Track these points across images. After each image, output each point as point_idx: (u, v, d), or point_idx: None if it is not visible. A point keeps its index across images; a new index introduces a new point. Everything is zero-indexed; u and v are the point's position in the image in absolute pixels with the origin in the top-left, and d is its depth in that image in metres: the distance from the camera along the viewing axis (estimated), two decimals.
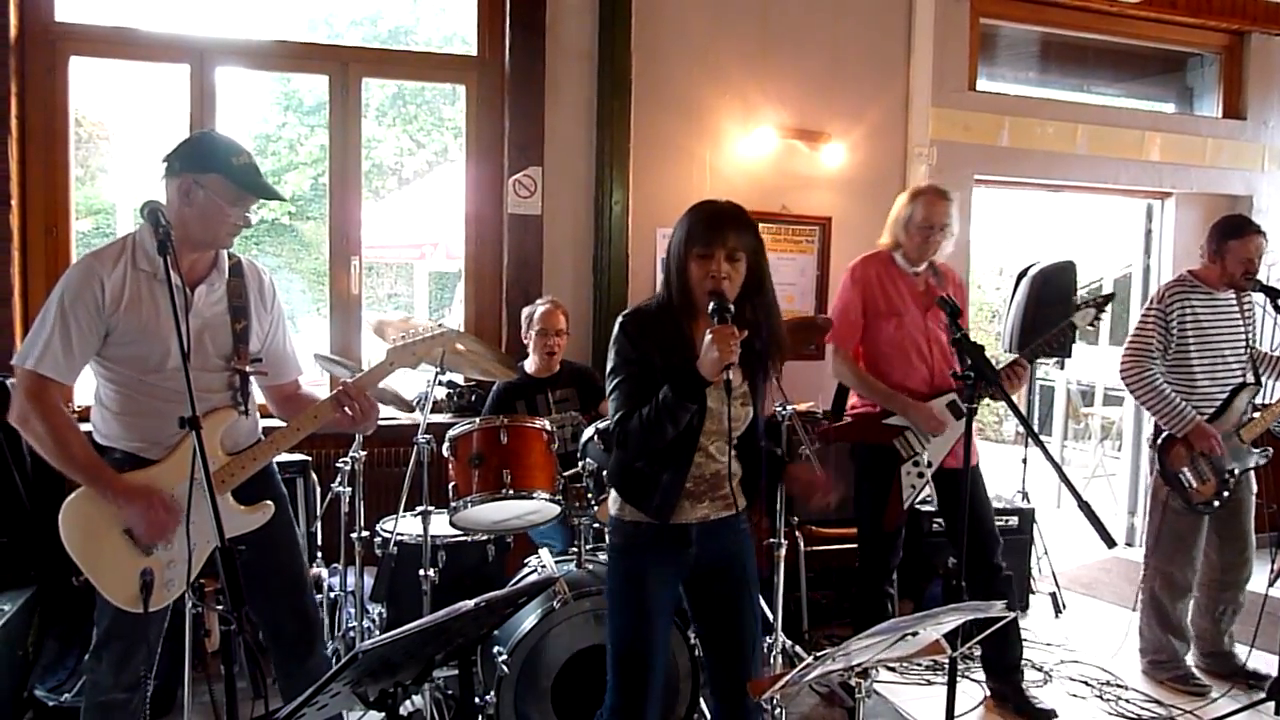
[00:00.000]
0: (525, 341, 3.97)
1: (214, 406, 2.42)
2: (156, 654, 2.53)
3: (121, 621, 2.36)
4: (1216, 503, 3.71)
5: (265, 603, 2.56)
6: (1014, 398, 2.87)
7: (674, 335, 2.24)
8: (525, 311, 3.99)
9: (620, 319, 2.26)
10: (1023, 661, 3.66)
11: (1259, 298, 3.71)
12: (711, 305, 2.12)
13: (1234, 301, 3.77)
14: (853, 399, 3.68)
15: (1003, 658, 3.58)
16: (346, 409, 2.46)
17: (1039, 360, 8.72)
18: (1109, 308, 3.42)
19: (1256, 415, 3.75)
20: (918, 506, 4.26)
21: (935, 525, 4.39)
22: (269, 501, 2.46)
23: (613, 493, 2.37)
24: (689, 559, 2.32)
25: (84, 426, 2.41)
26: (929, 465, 3.40)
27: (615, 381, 2.23)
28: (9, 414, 2.34)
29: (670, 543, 2.29)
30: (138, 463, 2.38)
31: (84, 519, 2.33)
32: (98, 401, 2.44)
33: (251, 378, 2.54)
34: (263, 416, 2.68)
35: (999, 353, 6.27)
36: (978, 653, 3.82)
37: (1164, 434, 3.74)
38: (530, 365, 3.97)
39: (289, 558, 2.61)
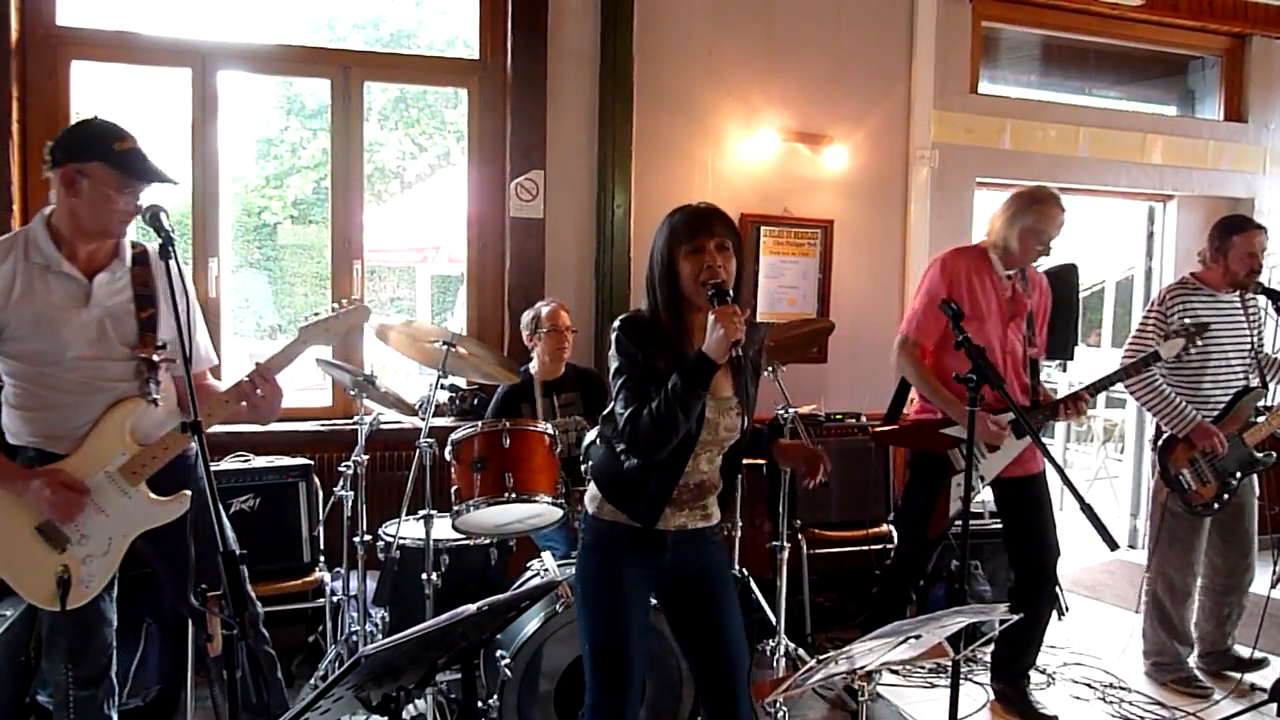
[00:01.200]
0: (531, 345, 3.94)
1: (121, 396, 2.39)
2: (110, 652, 2.51)
3: (60, 620, 2.35)
4: (1216, 505, 3.70)
5: (180, 594, 2.52)
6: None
7: (671, 338, 2.23)
8: (528, 316, 3.96)
9: (618, 323, 2.26)
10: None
11: (1261, 300, 3.70)
12: (710, 291, 2.13)
13: (1238, 304, 3.76)
14: (913, 404, 3.54)
15: (1016, 662, 3.57)
16: (258, 389, 2.41)
17: (1043, 363, 8.71)
18: (1199, 341, 3.38)
19: (1261, 419, 3.74)
20: None
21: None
22: (186, 491, 2.42)
23: (592, 488, 2.35)
24: (663, 565, 2.31)
25: None
26: (981, 479, 3.28)
27: (621, 380, 2.22)
28: None
29: (645, 546, 2.29)
30: (47, 458, 2.38)
31: None
32: (7, 401, 2.43)
33: (162, 367, 2.51)
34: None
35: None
36: (981, 655, 3.82)
37: (1165, 435, 3.73)
38: (535, 367, 3.95)
39: (212, 549, 2.58)
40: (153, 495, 2.41)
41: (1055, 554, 3.44)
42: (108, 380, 2.38)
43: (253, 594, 2.73)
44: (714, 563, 2.40)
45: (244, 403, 2.42)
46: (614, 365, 2.26)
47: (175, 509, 2.41)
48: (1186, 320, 3.60)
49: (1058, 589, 4.74)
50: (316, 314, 2.60)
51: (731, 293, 2.14)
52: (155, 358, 2.43)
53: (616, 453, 2.28)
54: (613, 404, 2.28)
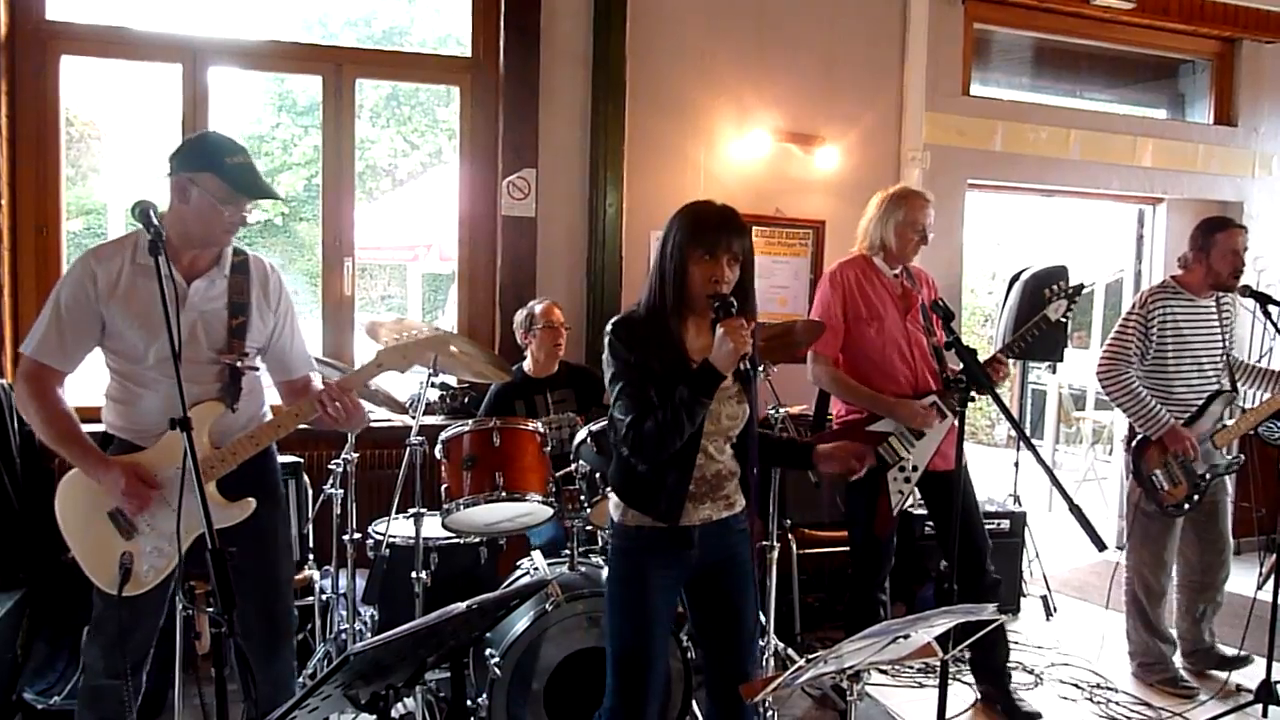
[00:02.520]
0: (525, 343, 3.94)
1: (201, 399, 2.44)
2: (150, 648, 2.56)
3: (112, 607, 2.40)
4: (1187, 505, 3.73)
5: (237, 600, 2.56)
6: (1005, 401, 2.87)
7: (665, 338, 2.24)
8: (521, 314, 3.97)
9: (610, 326, 2.25)
10: (1010, 664, 3.67)
11: (1248, 303, 3.73)
12: (715, 302, 2.15)
13: (1213, 309, 3.79)
14: (835, 408, 3.63)
15: (989, 660, 3.59)
16: (329, 410, 2.47)
17: (1032, 364, 8.71)
18: (1079, 299, 3.41)
19: (1230, 422, 3.77)
20: (909, 510, 4.29)
21: (928, 528, 4.40)
22: (251, 499, 2.48)
23: (613, 497, 2.35)
24: (691, 561, 2.32)
25: (96, 427, 2.49)
26: (914, 469, 3.38)
27: (619, 387, 2.22)
28: (14, 395, 2.45)
29: (673, 545, 2.29)
30: (132, 449, 2.46)
31: (75, 497, 2.43)
32: (105, 393, 2.52)
33: (266, 375, 2.62)
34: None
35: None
36: (968, 655, 3.83)
37: (1139, 436, 3.76)
38: (529, 365, 3.95)
39: (268, 558, 2.61)
40: (220, 497, 2.46)
41: (986, 544, 3.48)
42: (196, 382, 2.43)
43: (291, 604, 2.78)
44: (738, 553, 2.40)
45: (321, 416, 2.49)
46: (610, 371, 2.25)
47: (237, 513, 2.46)
48: (1171, 327, 3.64)
49: (1046, 589, 4.81)
50: (398, 338, 2.66)
51: (735, 304, 2.16)
52: (239, 364, 2.50)
53: (624, 458, 2.28)
54: (611, 410, 2.27)
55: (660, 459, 2.21)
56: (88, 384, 2.67)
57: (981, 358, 2.84)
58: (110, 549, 2.39)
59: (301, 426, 2.55)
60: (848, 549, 3.65)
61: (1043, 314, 3.39)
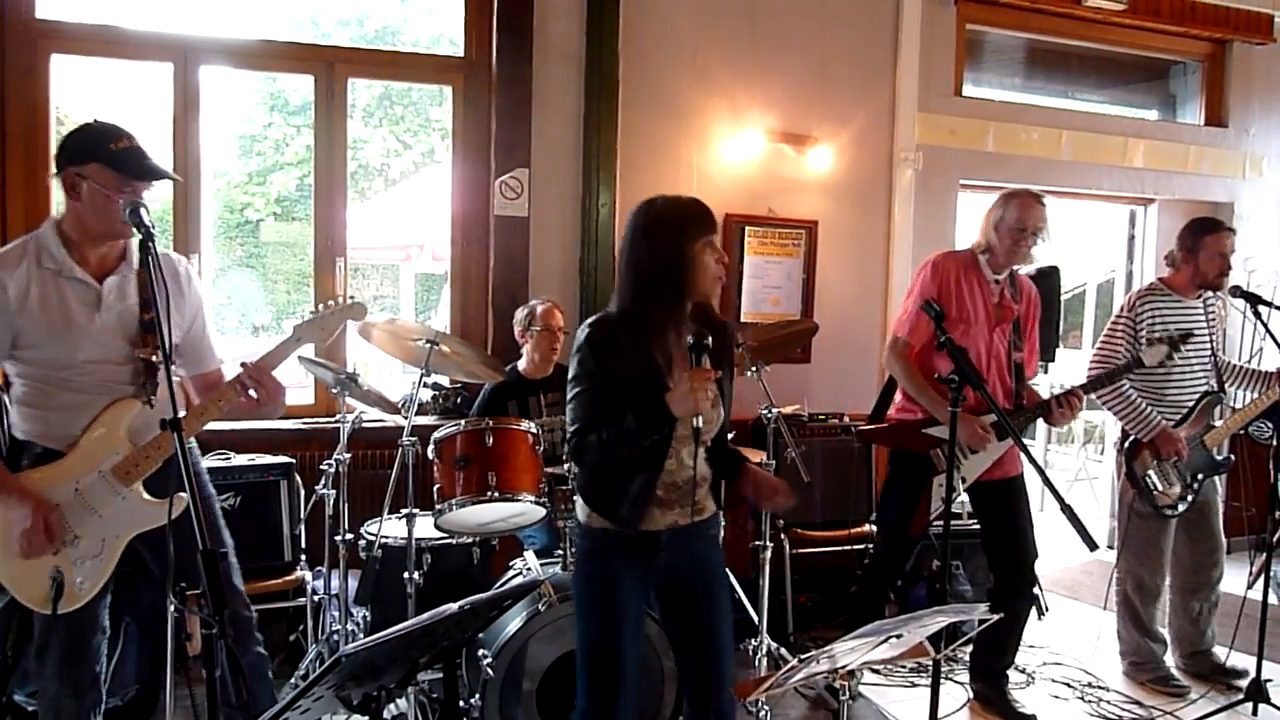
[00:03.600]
0: (522, 341, 3.94)
1: (118, 397, 2.40)
2: (101, 658, 2.52)
3: (55, 624, 2.35)
4: (1181, 506, 3.75)
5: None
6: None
7: (641, 345, 2.20)
8: (522, 311, 3.96)
9: (587, 327, 2.22)
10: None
11: (1239, 303, 3.74)
12: (691, 342, 2.12)
13: (1200, 310, 3.81)
14: (896, 405, 3.55)
15: (995, 662, 3.60)
16: (250, 390, 2.43)
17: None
18: (1183, 349, 3.38)
19: (1220, 423, 3.79)
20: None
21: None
22: (183, 494, 2.41)
23: (580, 498, 2.34)
24: (658, 565, 2.31)
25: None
26: (963, 481, 3.32)
27: (575, 392, 2.20)
28: None
29: (639, 549, 2.28)
30: (51, 455, 2.39)
31: None
32: (15, 399, 2.44)
33: (175, 369, 2.53)
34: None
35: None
36: (962, 655, 3.84)
37: (1130, 438, 3.77)
38: (524, 365, 3.95)
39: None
40: (147, 496, 2.41)
41: (1033, 556, 3.47)
42: (116, 383, 2.41)
43: (246, 598, 2.72)
44: (709, 558, 2.39)
45: (241, 400, 2.43)
46: (572, 372, 2.23)
47: (164, 513, 2.39)
48: (1161, 328, 3.65)
49: (1039, 589, 4.81)
50: (313, 311, 2.61)
51: (710, 345, 2.13)
52: (154, 359, 2.43)
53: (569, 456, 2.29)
54: (567, 409, 2.26)
55: (602, 468, 2.20)
56: None
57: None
58: (38, 565, 2.31)
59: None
60: (841, 549, 3.66)
61: (1138, 357, 3.38)
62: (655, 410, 2.11)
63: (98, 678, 2.51)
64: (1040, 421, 3.64)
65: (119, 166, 2.30)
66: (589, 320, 2.25)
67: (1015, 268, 3.46)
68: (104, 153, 2.30)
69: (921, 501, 3.37)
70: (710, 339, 2.14)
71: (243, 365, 2.47)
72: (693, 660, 2.38)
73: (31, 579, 2.31)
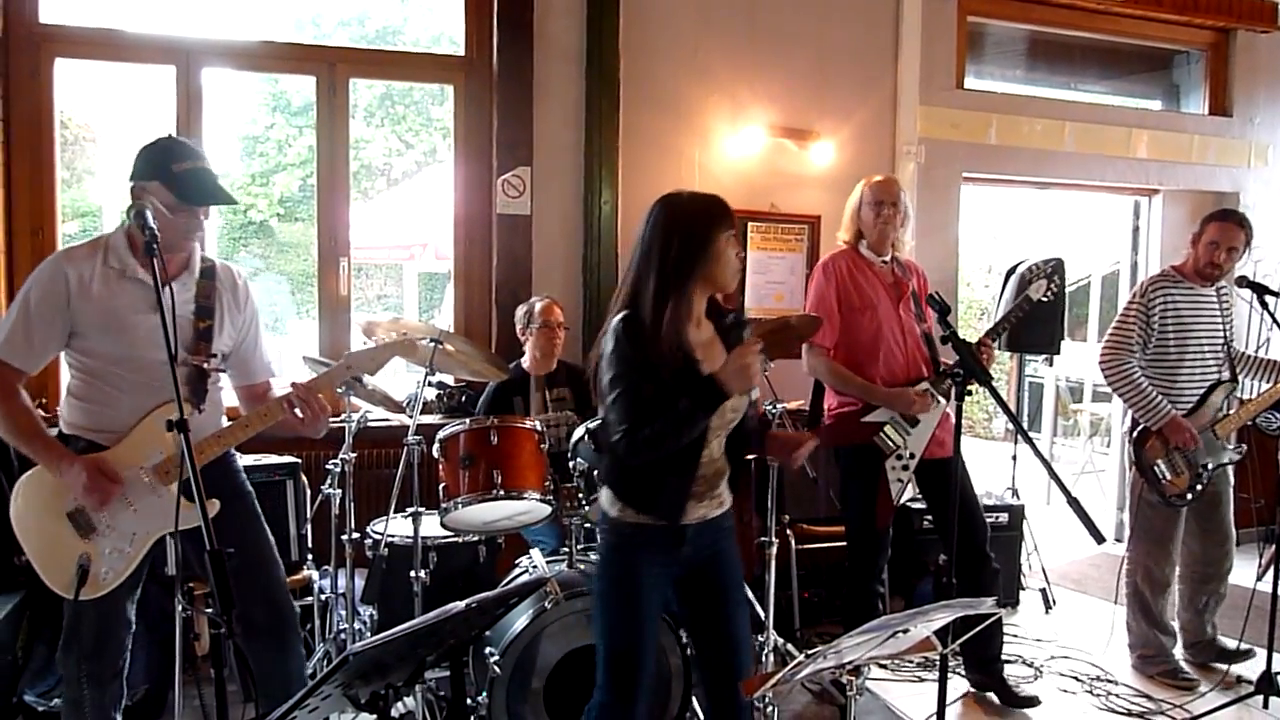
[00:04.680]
0: (523, 339, 3.95)
1: (168, 399, 2.43)
2: (125, 653, 2.55)
3: (83, 615, 2.41)
4: (1190, 496, 3.73)
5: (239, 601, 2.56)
6: (1002, 395, 2.87)
7: (672, 338, 2.21)
8: (522, 309, 3.98)
9: (619, 323, 2.20)
10: (1008, 657, 3.69)
11: (1245, 293, 3.73)
12: (731, 320, 2.23)
13: (1214, 298, 3.79)
14: (830, 400, 3.63)
15: (985, 650, 3.61)
16: (296, 410, 2.48)
17: (1029, 357, 8.71)
18: (1059, 278, 3.45)
19: (1232, 412, 3.78)
20: (908, 505, 4.29)
21: (926, 523, 4.41)
22: (216, 500, 2.46)
23: (607, 494, 2.33)
24: (682, 559, 2.32)
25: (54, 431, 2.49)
26: (912, 457, 3.39)
27: (616, 393, 2.18)
28: None
29: (666, 543, 2.29)
30: (93, 449, 2.45)
31: (34, 496, 2.42)
32: (67, 391, 2.52)
33: (225, 379, 2.64)
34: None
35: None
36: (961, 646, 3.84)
37: (1140, 427, 3.76)
38: (527, 363, 3.96)
39: (255, 552, 2.61)
40: (183, 499, 2.42)
41: (985, 531, 3.50)
42: (161, 384, 2.44)
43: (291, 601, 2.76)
44: (726, 549, 2.41)
45: (288, 417, 2.49)
46: (612, 370, 2.19)
47: (198, 514, 2.43)
48: (1172, 315, 3.65)
49: (1046, 582, 4.81)
50: (365, 343, 2.71)
51: (747, 323, 2.25)
52: (205, 366, 2.52)
53: (620, 457, 2.27)
54: (606, 410, 2.25)
55: (648, 461, 2.20)
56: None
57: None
58: (67, 550, 2.38)
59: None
60: (846, 543, 3.66)
61: (1024, 294, 3.41)
62: (707, 391, 2.13)
63: (121, 671, 2.54)
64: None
65: (177, 189, 2.38)
66: (616, 319, 2.22)
67: (895, 254, 3.57)
68: (166, 173, 2.38)
69: (881, 490, 3.41)
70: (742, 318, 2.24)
71: (293, 385, 2.53)
72: (714, 653, 2.39)
73: (60, 563, 2.37)
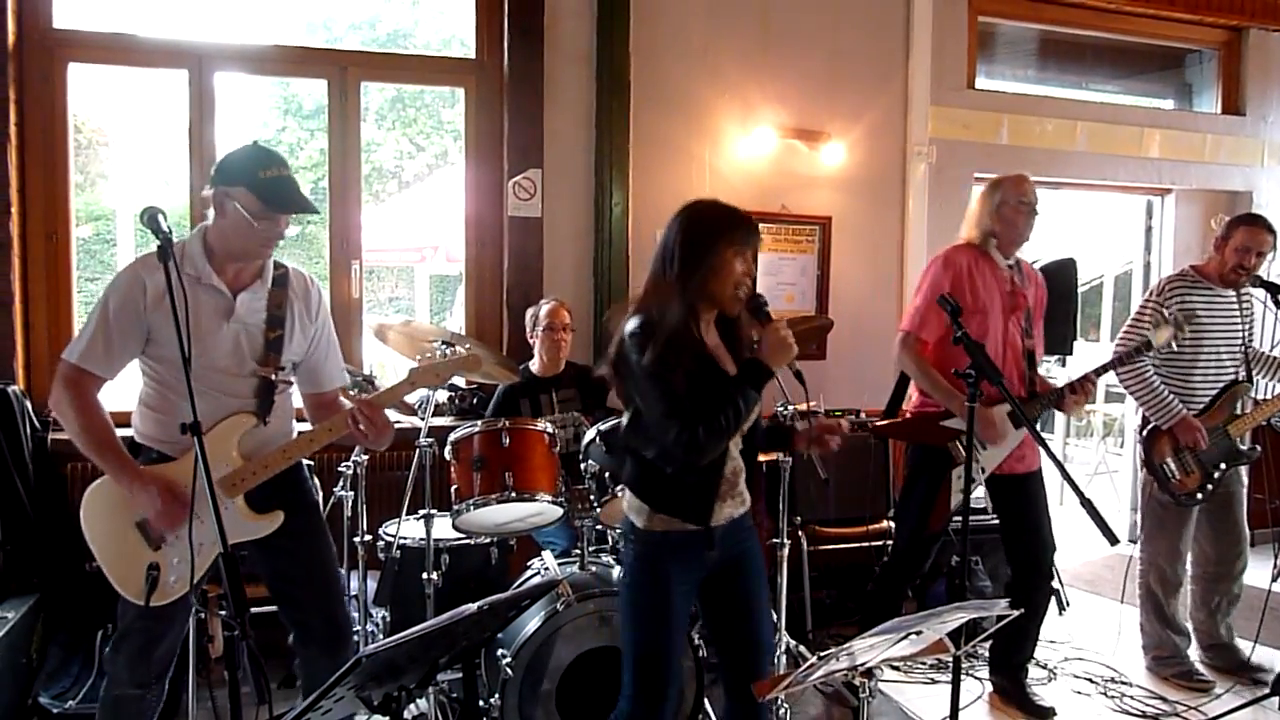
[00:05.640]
0: (531, 341, 3.97)
1: (233, 411, 2.46)
2: (174, 657, 2.58)
3: (139, 618, 2.41)
4: (1200, 495, 3.71)
5: (293, 608, 2.63)
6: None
7: (691, 340, 2.21)
8: (529, 312, 4.01)
9: (637, 325, 2.18)
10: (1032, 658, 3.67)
11: (1259, 293, 3.71)
12: (753, 304, 2.24)
13: (1234, 299, 3.76)
14: (913, 398, 3.56)
15: (1013, 655, 3.59)
16: (360, 425, 2.48)
17: (1041, 358, 8.65)
18: (1187, 328, 3.39)
19: (1245, 412, 3.75)
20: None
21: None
22: (280, 512, 2.49)
23: (633, 500, 2.32)
24: (709, 562, 2.32)
25: (124, 432, 2.50)
26: (982, 471, 3.31)
27: (658, 391, 2.15)
28: (49, 399, 2.44)
29: (695, 548, 2.29)
30: (162, 460, 2.47)
31: (103, 506, 2.42)
32: (139, 401, 2.53)
33: (293, 387, 2.63)
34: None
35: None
36: (981, 650, 3.82)
37: (1150, 426, 3.74)
38: (535, 365, 3.97)
39: (315, 565, 2.64)
40: (248, 510, 2.47)
41: (1051, 549, 3.46)
42: (235, 395, 2.47)
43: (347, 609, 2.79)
44: (749, 549, 2.42)
45: (352, 431, 2.50)
46: (646, 370, 2.16)
47: (263, 526, 2.48)
48: (1176, 309, 3.62)
49: (1059, 584, 4.78)
50: (428, 356, 2.68)
51: (766, 304, 2.27)
52: (273, 377, 2.51)
53: (650, 462, 2.26)
54: (637, 414, 2.25)
55: (706, 459, 2.21)
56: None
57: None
58: (138, 559, 2.38)
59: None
60: (859, 545, 3.65)
61: (1144, 339, 3.38)
62: (753, 371, 2.19)
63: (164, 674, 2.56)
64: (1058, 414, 3.64)
65: (263, 195, 2.37)
66: (639, 321, 2.20)
67: (1021, 257, 3.46)
68: (253, 179, 2.37)
69: (941, 495, 3.35)
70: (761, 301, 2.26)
71: (357, 402, 2.55)
72: (737, 654, 2.39)
73: (131, 571, 2.38)
